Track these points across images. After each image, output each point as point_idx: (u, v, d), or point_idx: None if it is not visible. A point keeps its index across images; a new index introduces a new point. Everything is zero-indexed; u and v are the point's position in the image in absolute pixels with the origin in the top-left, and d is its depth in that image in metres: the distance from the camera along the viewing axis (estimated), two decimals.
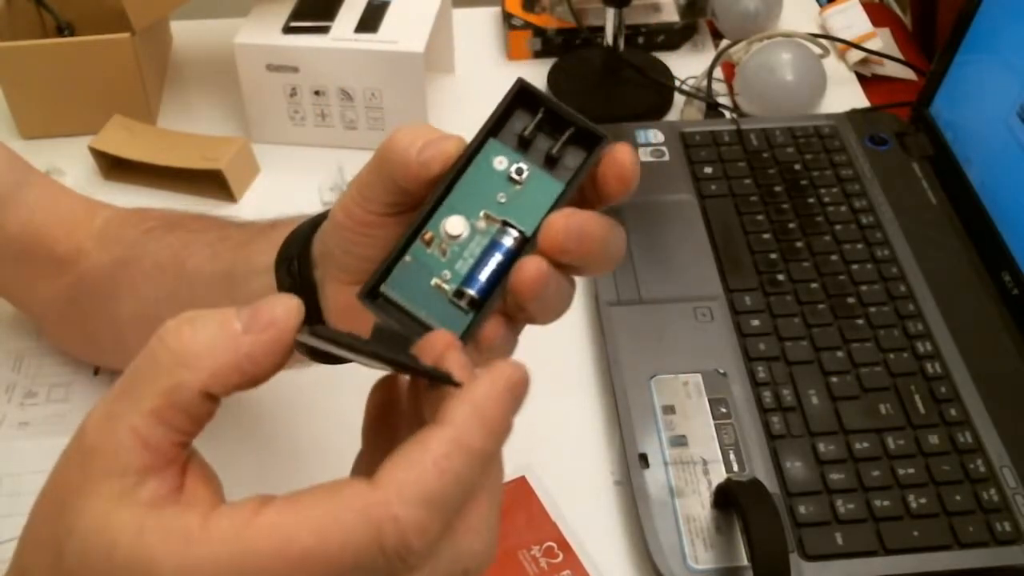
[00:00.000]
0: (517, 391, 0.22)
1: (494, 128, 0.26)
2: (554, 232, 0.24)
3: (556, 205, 0.25)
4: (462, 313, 0.25)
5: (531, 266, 0.24)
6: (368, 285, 0.25)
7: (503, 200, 0.25)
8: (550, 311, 0.26)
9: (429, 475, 0.19)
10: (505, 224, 0.25)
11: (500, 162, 0.26)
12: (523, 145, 0.26)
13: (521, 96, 0.26)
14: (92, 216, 0.40)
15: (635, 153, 0.25)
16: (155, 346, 0.20)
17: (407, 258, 0.25)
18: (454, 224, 0.25)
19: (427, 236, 0.25)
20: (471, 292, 0.25)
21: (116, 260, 0.38)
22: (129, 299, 0.37)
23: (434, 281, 0.25)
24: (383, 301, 0.25)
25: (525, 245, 0.25)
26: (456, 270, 0.25)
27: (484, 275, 0.25)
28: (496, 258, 0.25)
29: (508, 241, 0.25)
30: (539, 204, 0.25)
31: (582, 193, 0.26)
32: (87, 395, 0.45)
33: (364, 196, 0.27)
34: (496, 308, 0.25)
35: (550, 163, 0.26)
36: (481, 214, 0.25)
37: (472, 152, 0.25)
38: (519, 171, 0.25)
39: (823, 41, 0.64)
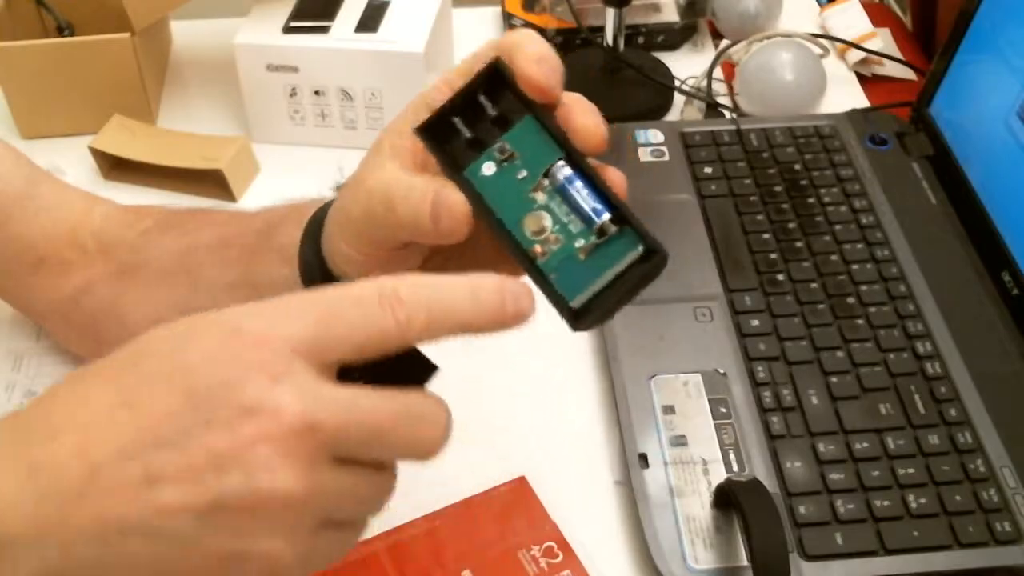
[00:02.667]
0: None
1: (451, 162, 0.28)
2: (580, 133, 0.28)
3: (545, 127, 0.28)
4: (622, 239, 0.27)
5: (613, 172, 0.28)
6: None
7: (524, 174, 0.28)
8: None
9: (454, 290, 0.24)
10: (546, 175, 0.28)
11: (488, 168, 0.28)
12: (478, 143, 0.28)
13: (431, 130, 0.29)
14: (90, 213, 0.40)
15: (535, 44, 0.28)
16: None
17: (543, 275, 0.27)
18: (535, 223, 0.27)
19: (535, 250, 0.27)
20: (603, 218, 0.27)
21: (120, 268, 0.38)
22: (138, 306, 0.38)
23: (581, 255, 0.27)
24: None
25: (571, 160, 0.28)
26: (577, 231, 0.27)
27: (593, 201, 0.27)
28: (578, 186, 0.27)
29: (565, 172, 0.27)
30: (536, 141, 0.28)
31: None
32: None
33: (361, 243, 0.30)
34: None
35: (503, 122, 0.28)
36: (531, 196, 0.28)
37: (471, 192, 0.28)
38: (502, 151, 0.28)
39: (823, 41, 0.64)
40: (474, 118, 0.28)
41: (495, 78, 0.28)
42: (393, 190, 0.28)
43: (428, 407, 0.24)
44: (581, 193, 0.27)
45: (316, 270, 0.32)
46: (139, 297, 0.37)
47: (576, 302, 0.27)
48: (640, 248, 0.26)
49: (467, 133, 0.28)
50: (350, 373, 0.23)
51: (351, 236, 0.30)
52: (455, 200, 0.27)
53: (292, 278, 0.33)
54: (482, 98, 0.28)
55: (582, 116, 0.28)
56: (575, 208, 0.27)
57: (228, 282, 0.35)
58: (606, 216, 0.27)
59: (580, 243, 0.27)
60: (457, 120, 0.28)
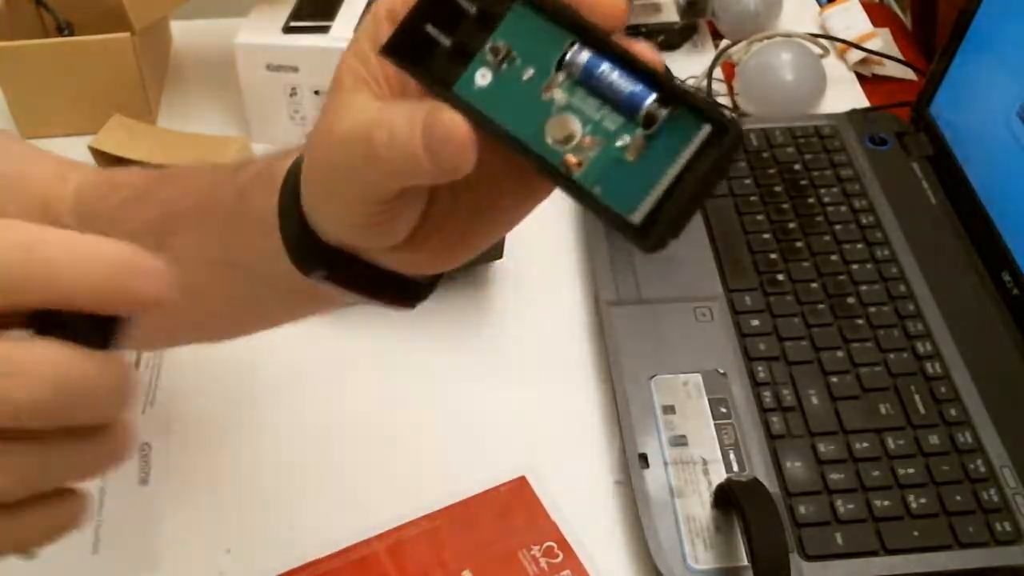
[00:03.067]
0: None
1: (435, 81, 0.23)
2: (593, 5, 0.22)
3: (542, 8, 0.22)
4: (677, 123, 0.21)
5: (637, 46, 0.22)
6: None
7: (530, 72, 0.22)
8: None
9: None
10: (559, 67, 0.22)
11: (483, 76, 0.22)
12: (462, 51, 0.23)
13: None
14: (64, 183, 0.35)
15: None
16: None
17: (586, 192, 0.22)
18: (560, 129, 0.22)
19: (569, 162, 0.22)
20: (649, 101, 0.21)
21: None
22: None
23: (629, 156, 0.21)
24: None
25: (588, 42, 0.22)
26: (617, 127, 0.21)
27: (630, 83, 0.21)
28: (605, 69, 0.21)
29: (583, 55, 0.22)
30: (536, 29, 0.22)
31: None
32: None
33: (349, 204, 0.24)
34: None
35: (488, 17, 0.23)
36: (546, 98, 0.22)
37: (468, 110, 0.22)
38: (495, 52, 0.22)
39: (823, 41, 0.64)
40: (450, 21, 0.23)
41: None
42: (371, 131, 0.22)
43: (21, 356, 0.18)
44: (611, 77, 0.21)
45: (303, 242, 0.26)
46: None
47: (637, 215, 0.21)
48: (705, 127, 0.20)
49: (446, 41, 0.23)
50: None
51: (334, 199, 0.24)
52: (451, 121, 0.21)
53: (277, 251, 0.27)
54: None
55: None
56: (608, 98, 0.21)
57: (208, 259, 0.30)
58: (651, 98, 0.21)
59: (624, 140, 0.21)
60: (430, 28, 0.23)
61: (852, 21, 0.66)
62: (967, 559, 0.38)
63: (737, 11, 0.65)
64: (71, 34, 0.59)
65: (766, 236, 0.51)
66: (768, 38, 0.62)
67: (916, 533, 0.38)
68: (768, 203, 0.53)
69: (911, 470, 0.40)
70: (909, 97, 0.59)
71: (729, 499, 0.38)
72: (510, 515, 0.40)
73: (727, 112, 0.23)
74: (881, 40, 0.65)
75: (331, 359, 0.47)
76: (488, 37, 0.22)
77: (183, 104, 0.63)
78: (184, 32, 0.67)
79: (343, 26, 0.57)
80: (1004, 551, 0.38)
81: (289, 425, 0.44)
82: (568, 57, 0.22)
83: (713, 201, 0.53)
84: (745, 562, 0.37)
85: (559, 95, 0.22)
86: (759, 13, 0.65)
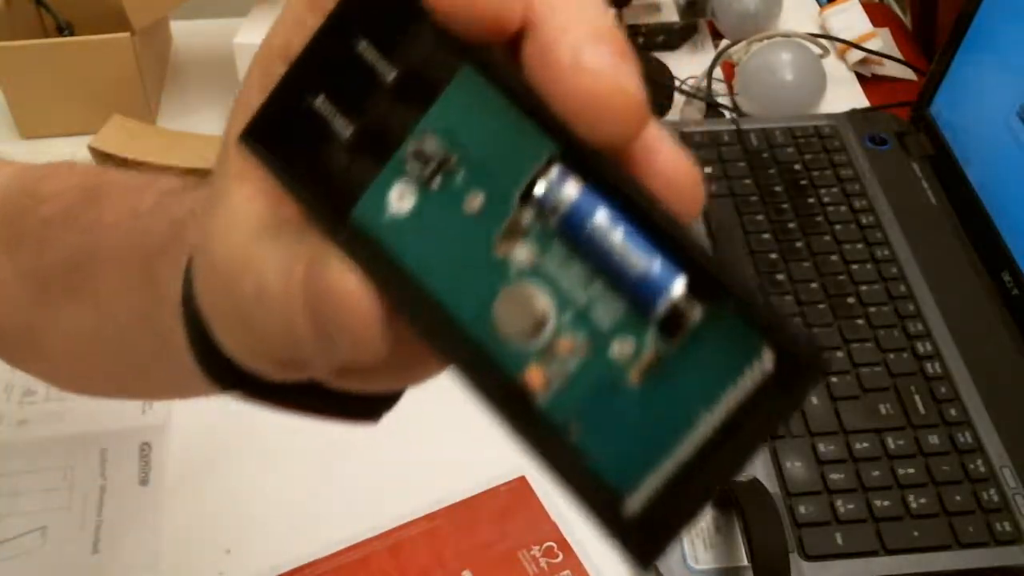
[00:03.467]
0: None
1: (324, 198, 0.14)
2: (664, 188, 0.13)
3: (507, 87, 0.13)
4: (718, 333, 0.13)
5: (659, 157, 0.13)
6: None
7: (478, 200, 0.13)
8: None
9: None
10: (525, 198, 0.13)
11: (402, 196, 0.14)
12: (372, 143, 0.14)
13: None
14: None
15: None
16: None
17: (552, 432, 0.13)
18: (519, 312, 0.13)
19: (529, 378, 0.13)
20: (676, 289, 0.13)
21: (24, 274, 0.27)
22: (48, 332, 0.27)
23: (631, 378, 0.13)
24: None
25: (580, 161, 0.13)
26: (614, 323, 0.13)
27: (642, 250, 0.13)
28: (603, 219, 0.13)
29: (570, 187, 0.13)
30: (500, 121, 0.13)
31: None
32: None
33: (240, 350, 0.17)
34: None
35: (415, 92, 0.14)
36: (500, 252, 0.13)
37: (376, 257, 0.14)
38: (422, 156, 0.14)
39: (823, 41, 0.64)
40: (355, 92, 0.14)
41: None
42: (234, 279, 0.15)
43: None
44: (613, 234, 0.13)
45: (211, 358, 0.19)
46: (47, 317, 0.27)
47: (634, 498, 0.13)
48: (766, 354, 0.12)
49: (344, 128, 0.14)
50: None
51: (216, 328, 0.17)
52: (343, 286, 0.14)
53: (184, 343, 0.20)
54: (362, 44, 0.14)
55: (665, 157, 0.13)
56: (604, 268, 0.13)
57: (132, 315, 0.24)
58: (679, 284, 0.13)
59: (626, 347, 0.13)
60: (320, 103, 0.14)
61: (852, 21, 0.66)
62: (967, 559, 0.38)
63: (737, 11, 0.65)
64: (71, 34, 0.59)
65: (766, 236, 0.51)
66: (768, 38, 0.62)
67: (916, 533, 0.38)
68: (768, 203, 0.53)
69: (911, 470, 0.40)
70: (909, 97, 0.59)
71: (729, 499, 0.38)
72: (510, 515, 0.40)
73: (805, 334, 0.15)
74: (881, 40, 0.65)
75: None
76: (413, 126, 0.14)
77: (183, 104, 0.63)
78: (184, 32, 0.67)
79: None
80: (1004, 551, 0.38)
81: (288, 426, 0.44)
82: (544, 186, 0.13)
83: (713, 201, 0.53)
84: (745, 562, 0.37)
85: (522, 251, 0.13)
86: (759, 13, 0.65)
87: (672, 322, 0.13)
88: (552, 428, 0.13)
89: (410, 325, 0.14)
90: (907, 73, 0.65)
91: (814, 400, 0.43)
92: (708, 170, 0.55)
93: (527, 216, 0.13)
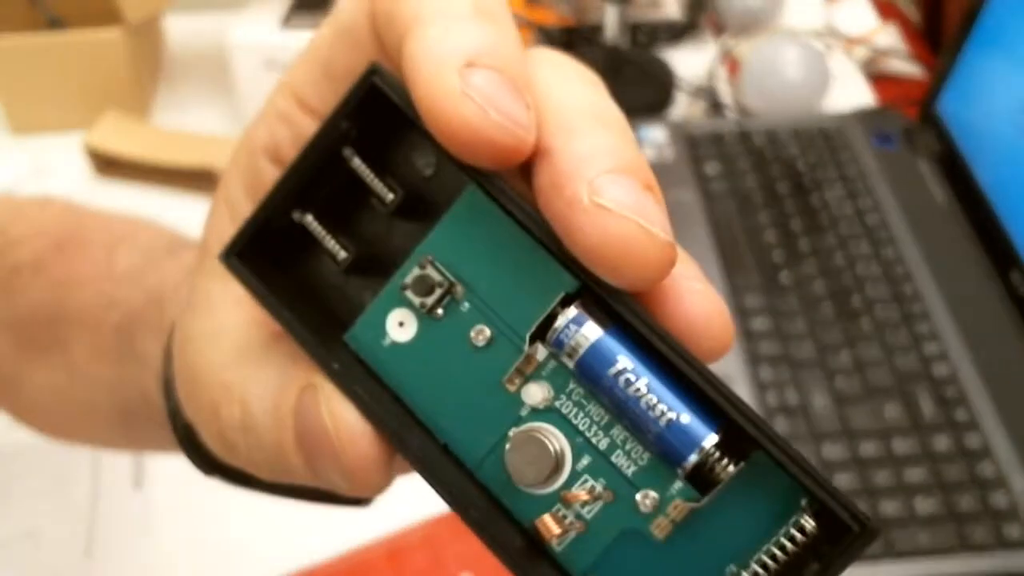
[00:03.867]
0: None
1: (314, 324, 0.13)
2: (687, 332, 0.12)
3: (515, 212, 0.12)
4: (751, 490, 0.12)
5: (684, 306, 0.12)
6: None
7: (485, 335, 0.12)
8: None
9: None
10: (539, 336, 0.12)
11: (400, 323, 0.13)
12: (367, 270, 0.13)
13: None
14: None
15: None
16: None
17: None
18: (531, 461, 0.12)
19: (545, 527, 0.12)
20: (706, 443, 0.12)
21: (3, 323, 0.26)
22: (24, 387, 0.26)
23: (656, 534, 0.12)
24: None
25: (600, 301, 0.12)
26: (637, 473, 0.12)
27: (669, 400, 0.12)
28: (626, 365, 0.12)
29: (590, 331, 0.12)
30: (510, 251, 0.12)
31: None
32: None
33: (233, 458, 0.16)
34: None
35: (417, 211, 0.13)
36: (509, 389, 0.12)
37: (372, 392, 0.13)
38: (424, 284, 0.12)
39: (828, 37, 0.64)
40: (349, 209, 0.13)
41: (378, 106, 0.13)
42: (218, 403, 0.14)
43: None
44: (636, 382, 0.12)
45: (194, 447, 0.18)
46: (18, 369, 0.26)
47: None
48: (806, 512, 0.12)
49: (339, 250, 0.13)
50: None
51: (202, 436, 0.16)
52: (344, 429, 0.13)
53: (162, 416, 0.19)
54: (356, 161, 0.13)
55: (692, 298, 0.12)
56: (626, 415, 0.12)
57: (105, 382, 0.23)
58: (712, 439, 0.12)
59: (650, 499, 0.12)
60: (310, 221, 0.13)
61: (858, 16, 0.65)
62: (975, 564, 0.37)
63: (740, 7, 0.65)
64: (63, 29, 0.59)
65: (769, 236, 0.50)
66: (772, 35, 0.62)
67: (923, 537, 0.38)
68: (772, 202, 0.52)
69: (918, 473, 0.40)
70: (916, 94, 0.59)
71: None
72: None
73: (851, 500, 0.10)
74: (888, 36, 0.64)
75: None
76: (414, 250, 0.12)
77: (177, 100, 0.62)
78: (178, 27, 0.67)
79: None
80: (1012, 555, 0.37)
81: None
82: (559, 326, 0.12)
83: (716, 200, 0.52)
84: None
85: (535, 391, 0.12)
86: (762, 9, 0.64)
87: (702, 476, 0.12)
88: None
89: (413, 467, 0.13)
90: (914, 70, 0.64)
91: (818, 402, 0.42)
92: (711, 169, 0.54)
93: (541, 353, 0.12)
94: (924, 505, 0.39)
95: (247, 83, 0.57)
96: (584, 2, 0.63)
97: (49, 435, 0.28)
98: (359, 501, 0.19)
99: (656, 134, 0.56)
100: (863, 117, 0.57)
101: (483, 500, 0.12)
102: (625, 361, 0.12)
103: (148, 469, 0.42)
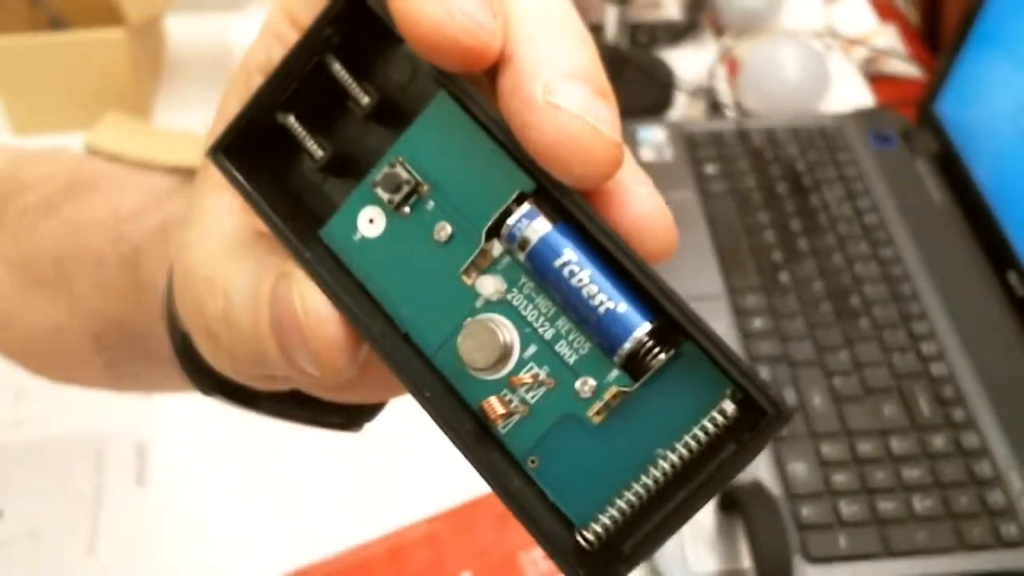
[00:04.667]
0: None
1: (293, 218, 0.14)
2: (633, 234, 0.13)
3: (480, 115, 0.13)
4: (682, 375, 0.13)
5: (629, 203, 0.13)
6: None
7: (446, 231, 0.13)
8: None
9: None
10: (495, 232, 0.13)
11: (371, 219, 0.14)
12: (343, 165, 0.14)
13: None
14: None
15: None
16: None
17: (512, 464, 0.13)
18: (483, 345, 0.13)
19: (490, 408, 0.13)
20: (640, 331, 0.12)
21: (5, 262, 0.27)
22: (19, 316, 0.27)
23: (592, 418, 0.13)
24: None
25: (551, 198, 0.13)
26: (579, 360, 0.13)
27: (610, 290, 0.13)
28: (571, 257, 0.13)
29: (539, 226, 0.13)
30: (472, 151, 0.13)
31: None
32: (81, 394, 0.45)
33: (216, 360, 0.16)
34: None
35: (389, 116, 0.14)
36: (465, 282, 0.13)
37: (341, 280, 0.14)
38: (393, 181, 0.13)
39: (827, 38, 0.64)
40: (327, 112, 0.14)
41: (358, 15, 0.13)
42: (203, 296, 0.15)
43: None
44: (581, 274, 0.13)
45: (196, 366, 0.19)
46: (22, 306, 0.27)
47: (588, 528, 0.13)
48: (727, 397, 0.12)
49: (316, 149, 0.14)
50: None
51: (194, 340, 0.17)
52: (307, 311, 0.14)
53: (168, 347, 0.20)
54: (337, 66, 0.14)
55: (637, 199, 0.13)
56: (570, 306, 0.13)
57: (107, 317, 0.24)
58: (644, 329, 0.12)
59: (588, 384, 0.13)
60: (292, 122, 0.14)
61: (857, 17, 0.66)
62: (972, 562, 0.37)
63: (739, 7, 0.65)
64: (65, 29, 0.59)
65: (768, 236, 0.50)
66: (771, 35, 0.62)
67: (921, 536, 0.38)
68: (771, 202, 0.52)
69: (915, 472, 0.40)
70: (915, 95, 0.59)
71: (731, 502, 0.38)
72: (510, 518, 0.39)
73: (767, 383, 0.12)
74: (887, 37, 0.65)
75: None
76: (386, 151, 0.13)
77: (179, 100, 0.62)
78: (179, 27, 0.67)
79: None
80: (1010, 554, 0.38)
81: (288, 428, 0.44)
82: (512, 221, 0.13)
83: (715, 200, 0.52)
84: (747, 564, 0.37)
85: (490, 284, 0.13)
86: (762, 9, 0.65)
87: (636, 364, 0.13)
88: (511, 458, 0.13)
89: (373, 350, 0.14)
90: (913, 70, 0.65)
91: (817, 401, 0.43)
92: (711, 169, 0.54)
93: (496, 249, 0.13)
94: (922, 504, 0.39)
95: None
96: (584, 2, 0.64)
97: (39, 374, 0.29)
98: (348, 424, 0.20)
99: (655, 134, 0.56)
100: (862, 117, 0.57)
101: (438, 385, 0.13)
102: (570, 254, 0.13)
103: (151, 467, 0.42)
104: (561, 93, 0.12)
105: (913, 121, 0.57)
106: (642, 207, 0.13)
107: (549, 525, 0.13)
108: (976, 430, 0.42)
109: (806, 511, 0.39)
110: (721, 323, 0.46)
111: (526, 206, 0.13)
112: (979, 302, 0.47)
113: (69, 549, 0.39)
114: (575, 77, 0.12)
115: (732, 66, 0.64)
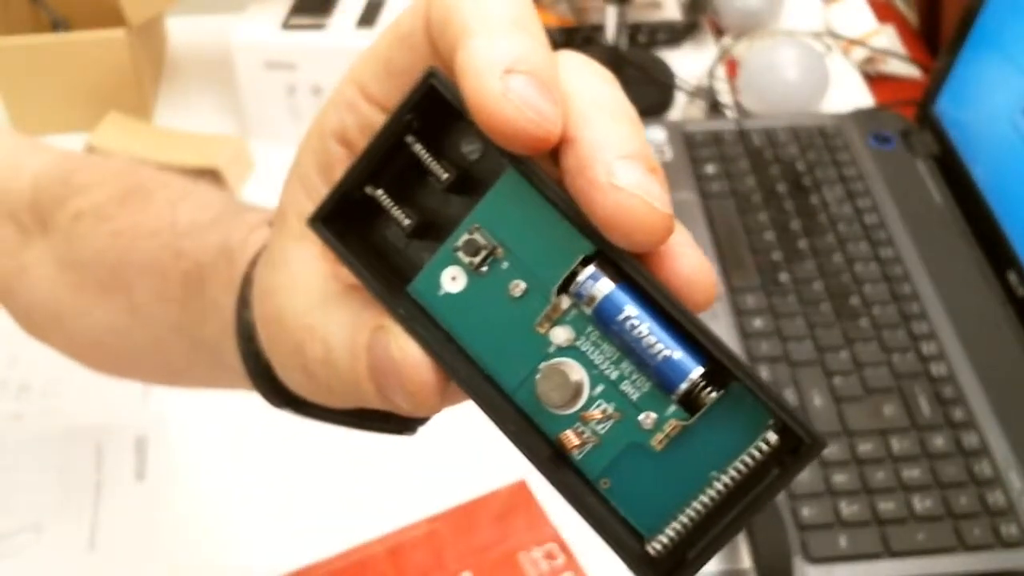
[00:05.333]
0: None
1: (383, 276, 0.16)
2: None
3: (545, 190, 0.15)
4: (731, 411, 0.15)
5: (677, 264, 0.15)
6: None
7: (520, 288, 0.15)
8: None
9: None
10: (564, 289, 0.15)
11: (453, 278, 0.16)
12: (426, 231, 0.16)
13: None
14: (18, 171, 0.30)
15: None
16: None
17: (586, 486, 0.16)
18: (557, 386, 0.15)
19: (566, 440, 0.15)
20: (694, 375, 0.15)
21: (56, 260, 0.29)
22: (78, 318, 0.28)
23: (655, 445, 0.15)
24: None
25: (611, 261, 0.15)
26: (641, 397, 0.15)
27: (666, 341, 0.15)
28: (631, 312, 0.15)
29: (602, 284, 0.15)
30: (539, 220, 0.15)
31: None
32: (81, 389, 0.45)
33: (304, 390, 0.19)
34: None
35: (467, 189, 0.16)
36: (539, 332, 0.15)
37: (430, 329, 0.16)
38: (473, 247, 0.15)
39: (827, 38, 0.64)
40: (412, 187, 0.16)
41: (434, 103, 0.15)
42: (303, 339, 0.17)
43: None
44: (640, 327, 0.15)
45: (267, 383, 0.21)
46: (76, 306, 0.28)
47: (656, 541, 0.15)
48: (770, 429, 0.14)
49: (403, 218, 0.16)
50: None
51: (280, 371, 0.19)
52: (403, 356, 0.16)
53: (237, 358, 0.22)
54: (418, 147, 0.16)
55: (685, 261, 0.15)
56: (631, 352, 0.15)
57: (169, 323, 0.25)
58: (697, 372, 0.15)
59: (650, 418, 0.15)
60: (381, 195, 0.16)
61: (856, 18, 0.66)
62: (972, 562, 0.37)
63: (739, 8, 0.65)
64: (66, 30, 0.59)
65: (768, 236, 0.50)
66: (771, 35, 0.62)
67: (921, 536, 0.38)
68: (770, 202, 0.52)
69: (916, 472, 0.40)
70: (914, 95, 0.59)
71: None
72: (510, 518, 0.40)
73: (805, 417, 0.15)
74: (886, 37, 0.65)
75: None
76: (464, 219, 0.16)
77: (180, 101, 0.63)
78: (181, 29, 0.67)
79: (342, 23, 0.56)
80: (1010, 554, 0.38)
81: (289, 425, 0.44)
82: (580, 281, 0.15)
83: (715, 200, 0.52)
84: (747, 564, 0.37)
85: (560, 333, 0.15)
86: (761, 10, 0.65)
87: (690, 400, 0.15)
88: (586, 481, 0.16)
89: (463, 391, 0.16)
90: (912, 71, 0.65)
91: (817, 401, 0.43)
92: (710, 169, 0.54)
93: (564, 303, 0.15)
94: (922, 504, 0.39)
95: (249, 84, 0.57)
96: (584, 3, 0.64)
97: (99, 370, 0.31)
98: (404, 429, 0.22)
99: (655, 134, 0.56)
100: (861, 118, 0.57)
101: (519, 419, 0.16)
102: (631, 309, 0.15)
103: (151, 462, 0.42)
104: (621, 174, 0.14)
105: (912, 121, 0.57)
106: (689, 266, 0.15)
107: (622, 537, 0.15)
108: (976, 430, 0.42)
109: (806, 511, 0.39)
110: (721, 323, 0.46)
111: (592, 268, 0.15)
112: (979, 302, 0.47)
113: (69, 543, 0.39)
114: (631, 159, 0.14)
115: (732, 66, 0.64)
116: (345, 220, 0.17)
